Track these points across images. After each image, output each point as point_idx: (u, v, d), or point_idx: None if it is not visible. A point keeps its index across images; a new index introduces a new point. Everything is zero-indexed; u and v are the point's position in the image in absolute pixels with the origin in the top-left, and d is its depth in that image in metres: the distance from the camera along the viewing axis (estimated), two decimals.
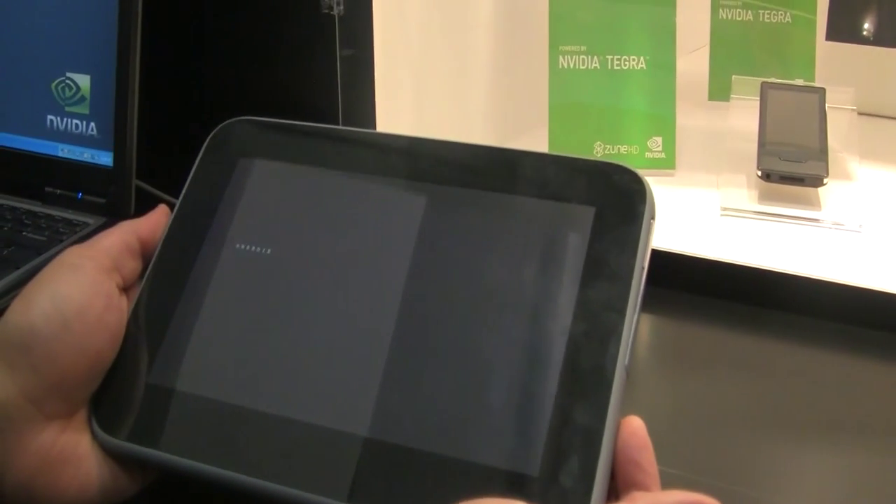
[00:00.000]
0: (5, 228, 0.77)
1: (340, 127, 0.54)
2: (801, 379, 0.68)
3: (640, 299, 0.44)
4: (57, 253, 0.70)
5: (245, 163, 0.53)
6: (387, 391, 0.45)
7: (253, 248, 0.50)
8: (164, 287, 0.50)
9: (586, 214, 0.46)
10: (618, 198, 0.46)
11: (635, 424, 0.42)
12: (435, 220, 0.49)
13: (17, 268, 0.72)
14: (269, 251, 0.50)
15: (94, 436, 0.46)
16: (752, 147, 0.90)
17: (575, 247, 0.46)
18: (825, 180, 0.86)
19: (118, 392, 0.47)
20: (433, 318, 0.46)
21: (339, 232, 0.49)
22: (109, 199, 0.79)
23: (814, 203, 0.87)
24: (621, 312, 0.43)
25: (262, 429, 0.45)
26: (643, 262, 0.45)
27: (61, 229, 0.77)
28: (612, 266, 0.45)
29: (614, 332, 0.43)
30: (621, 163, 0.48)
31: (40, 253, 0.73)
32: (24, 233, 0.76)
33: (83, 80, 0.80)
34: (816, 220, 0.84)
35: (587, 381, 0.42)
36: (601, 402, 0.42)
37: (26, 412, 0.44)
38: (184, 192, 0.53)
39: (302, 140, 0.54)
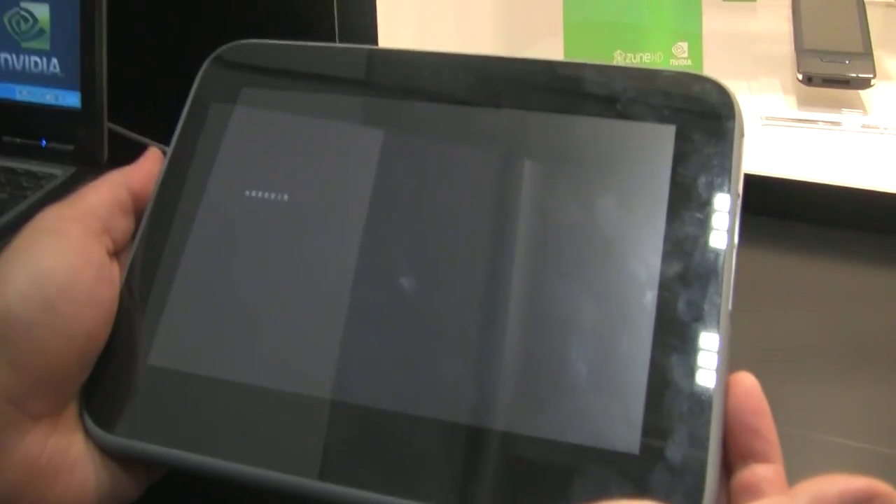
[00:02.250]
0: None
1: (353, 45, 0.52)
2: (865, 301, 0.65)
3: (738, 232, 0.40)
4: (22, 212, 0.68)
5: (249, 92, 0.48)
6: (435, 355, 0.40)
7: (265, 194, 0.45)
8: (161, 247, 0.45)
9: (666, 134, 0.42)
10: (701, 113, 0.42)
11: (748, 383, 0.37)
12: (482, 145, 0.44)
13: None
14: (284, 197, 0.45)
15: (88, 434, 0.42)
16: (784, 49, 0.88)
17: (657, 173, 0.41)
18: (872, 81, 0.83)
19: (114, 379, 0.43)
20: (497, 267, 0.41)
21: (368, 170, 0.45)
22: (78, 146, 0.75)
23: (858, 106, 0.84)
24: (719, 249, 0.39)
25: (290, 414, 0.40)
26: (738, 188, 0.41)
27: (24, 183, 0.72)
28: (702, 194, 0.40)
29: (713, 273, 0.39)
30: (699, 72, 0.44)
31: (2, 213, 0.69)
32: None
33: (41, 10, 0.76)
34: (867, 126, 0.82)
35: (687, 334, 0.38)
36: (706, 357, 0.37)
37: (6, 415, 0.39)
38: (178, 130, 0.48)
39: (309, 64, 0.49)
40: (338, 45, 0.51)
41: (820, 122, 0.82)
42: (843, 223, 0.71)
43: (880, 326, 0.62)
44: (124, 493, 0.42)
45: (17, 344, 0.39)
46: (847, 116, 0.82)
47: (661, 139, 0.42)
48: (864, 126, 0.81)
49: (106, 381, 0.42)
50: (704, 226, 0.40)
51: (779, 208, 0.72)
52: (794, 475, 0.34)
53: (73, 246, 0.42)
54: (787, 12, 0.91)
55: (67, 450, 0.41)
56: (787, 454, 0.44)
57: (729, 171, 0.40)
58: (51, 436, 0.41)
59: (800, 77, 0.84)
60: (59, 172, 0.74)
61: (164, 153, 0.48)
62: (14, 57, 0.77)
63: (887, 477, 0.50)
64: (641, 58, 0.89)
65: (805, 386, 0.57)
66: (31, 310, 0.39)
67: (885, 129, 0.81)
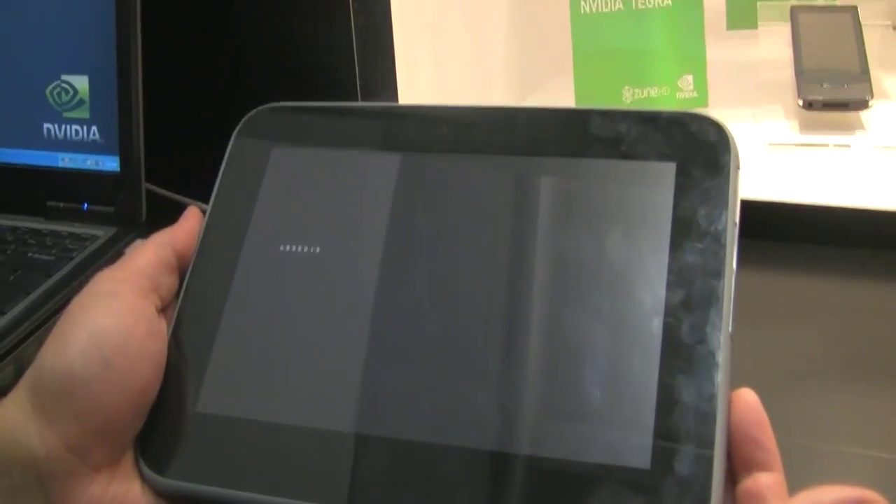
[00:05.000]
0: (8, 251, 0.73)
1: (379, 104, 0.51)
2: (869, 316, 0.66)
3: (735, 258, 0.41)
4: (70, 271, 0.69)
5: (279, 153, 0.49)
6: (456, 385, 0.41)
7: (299, 248, 0.46)
8: (203, 302, 0.46)
9: (667, 171, 0.43)
10: (698, 149, 0.43)
11: (749, 398, 0.38)
12: (498, 192, 0.45)
13: (28, 293, 0.67)
14: (317, 250, 0.46)
15: (143, 479, 0.43)
16: (785, 75, 0.89)
17: (659, 208, 0.42)
18: (870, 102, 0.84)
19: (165, 427, 0.44)
20: (513, 300, 0.43)
21: (393, 219, 0.46)
22: (118, 208, 0.76)
23: (857, 127, 0.85)
24: (718, 275, 0.40)
25: (331, 451, 0.41)
26: (734, 217, 0.41)
27: (69, 245, 0.73)
28: (702, 225, 0.41)
29: (714, 298, 0.40)
30: (696, 111, 0.45)
31: (50, 274, 0.69)
32: (29, 254, 0.72)
33: (80, 82, 0.77)
34: (861, 145, 0.82)
35: (691, 355, 0.39)
36: (709, 376, 0.38)
37: (71, 465, 0.40)
38: (215, 191, 0.49)
39: (336, 123, 0.50)
40: (360, 104, 0.51)
41: (822, 145, 0.82)
42: (849, 242, 0.72)
43: (884, 340, 0.63)
44: None
45: (78, 399, 0.40)
46: (848, 138, 0.83)
47: (662, 176, 0.43)
48: (859, 146, 0.82)
49: (158, 429, 0.43)
50: (705, 255, 0.40)
51: (785, 232, 0.73)
52: (802, 483, 0.35)
53: (126, 306, 0.43)
54: (787, 38, 0.91)
55: (126, 495, 0.42)
56: (795, 464, 0.45)
57: (726, 203, 0.41)
58: (111, 483, 0.41)
59: (801, 103, 0.84)
60: (100, 233, 0.74)
61: (202, 211, 0.49)
62: (56, 127, 0.77)
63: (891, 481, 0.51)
64: (649, 92, 0.89)
65: (810, 399, 0.57)
66: (90, 367, 0.41)
67: (886, 147, 0.81)
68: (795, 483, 0.36)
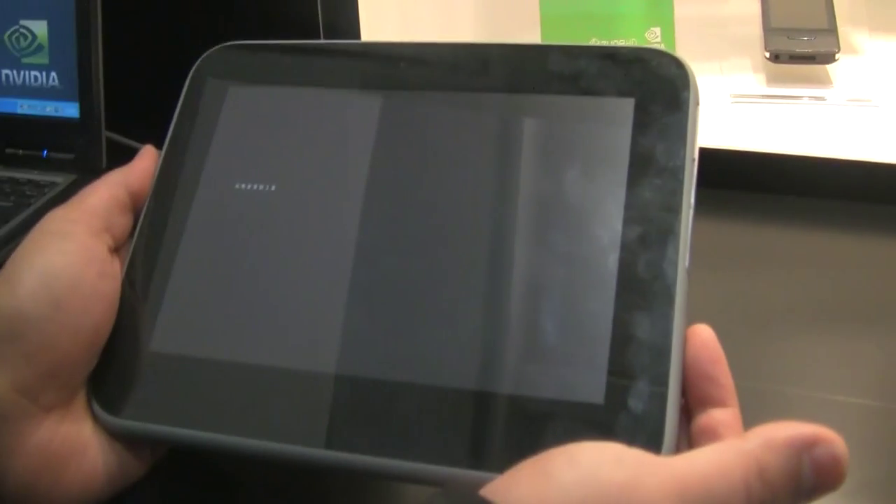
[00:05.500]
0: None
1: (337, 41, 0.50)
2: (826, 264, 0.67)
3: (694, 194, 0.41)
4: (26, 218, 0.69)
5: (235, 91, 0.48)
6: (411, 321, 0.41)
7: (255, 186, 0.46)
8: (157, 242, 0.46)
9: (625, 107, 0.43)
10: (657, 85, 0.43)
11: (705, 335, 0.38)
12: (455, 127, 0.45)
13: None
14: (272, 188, 0.46)
15: (96, 419, 0.42)
16: (754, 31, 0.89)
17: (616, 144, 0.42)
18: (837, 56, 0.84)
19: (118, 367, 0.43)
20: (470, 237, 0.42)
21: (350, 156, 0.45)
22: (78, 154, 0.76)
23: (825, 81, 0.85)
24: (676, 210, 0.40)
25: (272, 387, 0.41)
26: (693, 153, 0.41)
27: (28, 192, 0.73)
28: (660, 161, 0.41)
29: (671, 233, 0.40)
30: (655, 46, 0.44)
31: (8, 220, 0.70)
32: None
33: (39, 27, 0.76)
34: (828, 99, 0.82)
35: (647, 290, 0.39)
36: (665, 312, 0.38)
37: (21, 407, 0.40)
38: (171, 130, 0.48)
39: (294, 61, 0.49)
40: (318, 42, 0.51)
41: (788, 98, 0.82)
42: (811, 192, 0.72)
43: (854, 288, 0.63)
44: (130, 472, 0.43)
45: (28, 340, 0.40)
46: (813, 90, 0.83)
47: (621, 111, 0.42)
48: (824, 99, 0.82)
49: (111, 369, 0.43)
50: (662, 190, 0.40)
51: (750, 181, 0.73)
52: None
53: (78, 245, 0.42)
54: None
55: (78, 436, 0.41)
56: (765, 409, 0.45)
57: (685, 139, 0.41)
58: (62, 423, 0.41)
59: (767, 55, 0.84)
60: (60, 180, 0.74)
61: (158, 151, 0.48)
62: (15, 72, 0.77)
63: (861, 426, 0.51)
64: (616, 44, 0.88)
65: (774, 344, 0.58)
66: (41, 307, 0.40)
67: (850, 100, 0.81)
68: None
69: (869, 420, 0.53)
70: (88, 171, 0.74)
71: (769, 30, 0.86)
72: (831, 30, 0.85)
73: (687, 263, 0.39)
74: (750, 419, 0.36)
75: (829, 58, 0.84)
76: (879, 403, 0.53)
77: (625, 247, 0.40)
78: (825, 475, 0.32)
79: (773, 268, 0.66)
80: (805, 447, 0.32)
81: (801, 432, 0.32)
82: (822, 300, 0.63)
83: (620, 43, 0.89)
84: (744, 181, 0.74)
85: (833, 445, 0.32)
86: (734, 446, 0.33)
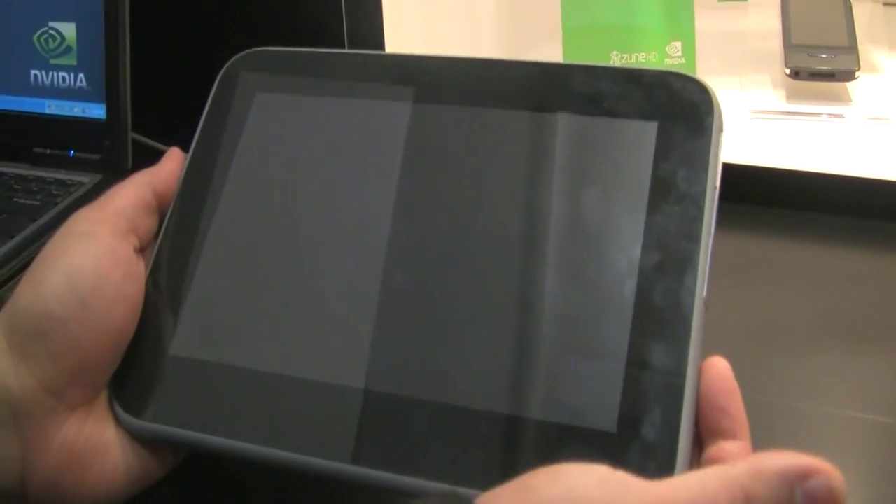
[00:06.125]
0: None
1: (364, 51, 0.50)
2: (843, 281, 0.66)
3: (714, 222, 0.40)
4: (53, 217, 0.69)
5: (263, 98, 0.49)
6: (429, 340, 0.41)
7: (281, 192, 0.46)
8: (182, 244, 0.46)
9: (648, 131, 0.42)
10: (681, 110, 0.42)
11: (720, 366, 0.38)
12: (477, 144, 0.45)
13: (12, 237, 0.68)
14: (299, 195, 0.46)
15: (118, 420, 0.43)
16: (774, 46, 0.88)
17: (638, 168, 0.41)
18: (857, 74, 0.84)
19: (140, 369, 0.43)
20: (481, 255, 0.42)
21: (374, 166, 0.45)
22: (104, 155, 0.76)
23: (844, 99, 0.85)
24: (695, 239, 0.40)
25: (294, 397, 0.41)
26: (715, 181, 0.41)
27: (54, 191, 0.73)
28: (681, 187, 0.41)
29: (690, 262, 0.39)
30: (682, 70, 0.44)
31: (35, 219, 0.70)
32: (14, 199, 0.72)
33: (68, 29, 0.77)
34: (847, 116, 0.82)
35: (663, 319, 0.38)
36: (681, 342, 0.38)
37: (47, 405, 0.41)
38: (198, 133, 0.49)
39: (322, 69, 0.49)
40: (347, 51, 0.50)
41: (807, 115, 0.82)
42: (829, 209, 0.72)
43: (871, 304, 0.63)
44: (151, 473, 0.43)
45: (54, 339, 0.40)
46: (833, 108, 0.82)
47: (643, 135, 0.42)
48: (847, 117, 0.81)
49: (133, 371, 0.43)
50: (682, 217, 0.40)
51: (768, 196, 0.73)
52: (781, 443, 0.34)
53: (103, 246, 0.43)
54: (777, 11, 0.91)
55: (101, 435, 0.42)
56: (777, 424, 0.44)
57: (707, 165, 0.41)
58: (86, 423, 0.42)
59: (787, 72, 0.84)
60: (86, 180, 0.74)
61: (184, 153, 0.48)
62: (43, 73, 0.77)
63: (873, 442, 0.50)
64: (637, 57, 0.88)
65: (791, 360, 0.58)
66: (66, 307, 0.40)
67: (869, 118, 0.81)
68: (776, 442, 0.35)
69: (881, 437, 0.52)
70: (114, 172, 0.75)
71: (790, 46, 0.86)
72: (852, 47, 0.85)
73: (705, 293, 0.39)
74: (763, 433, 0.36)
75: (849, 76, 0.83)
76: (892, 420, 0.53)
77: (643, 274, 0.39)
78: None
79: (789, 283, 0.66)
80: (799, 478, 0.31)
81: (796, 462, 0.32)
82: (839, 316, 0.62)
83: (641, 56, 0.89)
84: (762, 196, 0.73)
85: (829, 478, 0.31)
86: (720, 473, 0.32)
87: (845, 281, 0.66)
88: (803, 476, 0.31)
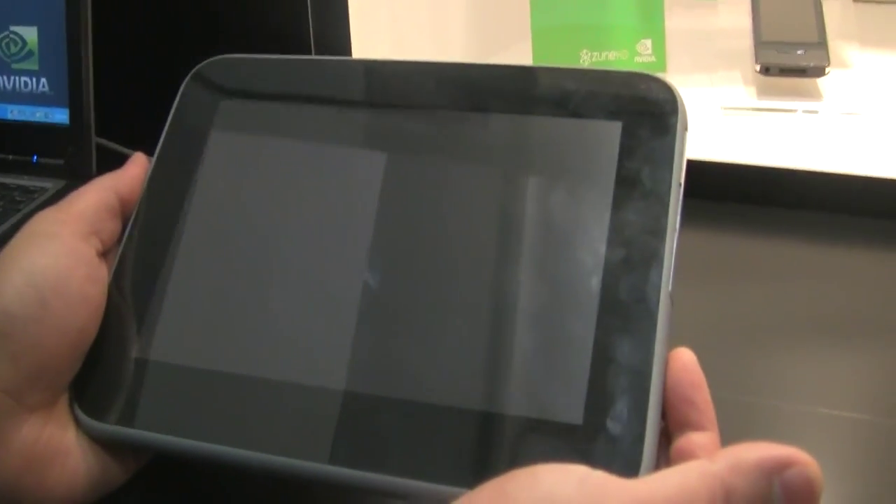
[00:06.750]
0: None
1: (330, 57, 0.51)
2: (816, 277, 0.66)
3: (679, 218, 0.41)
4: (15, 224, 0.68)
5: (228, 104, 0.49)
6: (398, 340, 0.41)
7: (245, 198, 0.46)
8: (146, 248, 0.46)
9: (613, 130, 0.43)
10: (646, 110, 0.43)
11: (686, 358, 0.38)
12: (445, 147, 0.45)
13: None
14: (264, 201, 0.46)
15: (78, 423, 0.42)
16: (745, 44, 0.89)
17: (603, 167, 0.42)
18: (827, 69, 0.84)
19: (102, 372, 0.43)
20: (450, 255, 0.43)
21: (333, 173, 0.46)
22: (68, 160, 0.75)
23: (815, 95, 0.85)
24: (660, 234, 0.40)
25: (262, 398, 0.41)
26: (679, 178, 0.41)
27: (17, 197, 0.72)
28: (645, 185, 0.41)
29: (655, 258, 0.40)
30: (645, 71, 0.45)
31: None
32: None
33: (29, 33, 0.76)
34: (818, 112, 0.82)
35: (629, 313, 0.39)
36: (646, 335, 0.38)
37: (5, 406, 0.40)
38: (162, 139, 0.49)
39: (288, 76, 0.49)
40: (313, 57, 0.51)
41: (778, 110, 0.82)
42: (801, 205, 0.72)
43: (844, 301, 0.63)
44: (112, 477, 0.43)
45: (14, 340, 0.40)
46: (804, 104, 0.82)
47: (608, 135, 0.42)
48: (819, 112, 0.82)
49: (94, 374, 0.43)
50: (647, 214, 0.40)
51: (740, 193, 0.73)
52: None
53: (65, 247, 0.42)
54: (747, 9, 0.91)
55: (61, 438, 0.41)
56: (755, 422, 0.44)
57: (671, 163, 0.41)
58: (46, 425, 0.41)
59: (758, 68, 0.84)
60: (49, 186, 0.73)
61: (150, 159, 0.48)
62: (5, 78, 0.77)
63: (850, 440, 0.50)
64: (607, 56, 0.89)
65: (761, 358, 0.58)
66: (27, 307, 0.40)
67: (840, 113, 0.81)
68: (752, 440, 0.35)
69: (858, 434, 0.52)
70: (78, 177, 0.73)
71: (760, 43, 0.86)
72: (822, 43, 0.86)
73: (670, 288, 0.39)
74: (740, 433, 0.36)
75: (819, 71, 0.84)
76: (869, 417, 0.53)
77: (608, 270, 0.40)
78: (797, 498, 0.31)
79: (762, 280, 0.66)
80: (776, 469, 0.31)
81: (773, 454, 0.32)
82: (812, 313, 0.62)
83: (612, 55, 0.90)
84: (734, 193, 0.74)
85: (806, 468, 0.31)
86: (699, 468, 0.32)
87: (820, 278, 0.66)
88: (780, 467, 0.31)
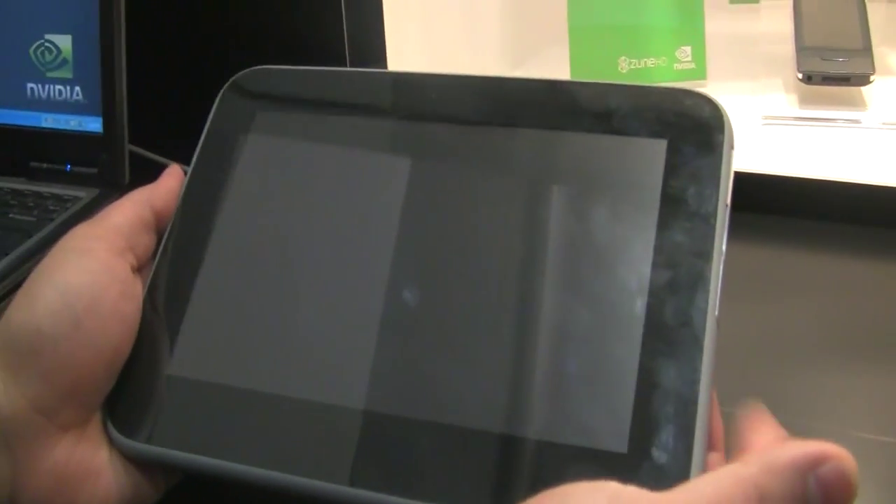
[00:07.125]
0: None
1: (369, 70, 0.50)
2: (859, 292, 0.65)
3: (725, 240, 0.40)
4: (50, 233, 0.68)
5: (264, 117, 0.48)
6: (433, 361, 0.40)
7: (281, 212, 0.46)
8: (181, 263, 0.45)
9: (658, 148, 0.42)
10: (692, 127, 0.42)
11: None
12: (484, 163, 0.45)
13: (6, 254, 0.67)
14: (300, 214, 0.45)
15: (111, 442, 0.42)
16: (786, 50, 0.87)
17: (648, 185, 0.41)
18: (872, 77, 0.82)
19: (136, 390, 0.43)
20: (488, 274, 0.42)
21: (377, 185, 0.45)
22: (101, 169, 0.75)
23: (859, 103, 0.83)
24: (707, 256, 0.39)
25: (294, 418, 0.41)
26: (726, 198, 0.41)
27: (51, 206, 0.72)
28: (691, 205, 0.40)
29: (701, 280, 0.39)
30: (691, 88, 0.44)
31: (31, 235, 0.69)
32: (10, 214, 0.71)
33: (64, 42, 0.76)
34: (862, 122, 0.80)
35: (674, 338, 0.38)
36: (693, 361, 0.37)
37: (37, 426, 0.40)
38: (198, 151, 0.48)
39: (324, 87, 0.49)
40: (348, 69, 0.50)
41: (820, 120, 0.80)
42: (843, 218, 0.71)
43: (882, 319, 0.62)
44: (144, 496, 0.42)
45: (46, 358, 0.39)
46: (847, 113, 0.80)
47: (652, 153, 0.42)
48: (863, 122, 0.80)
49: (128, 392, 0.43)
50: (693, 235, 0.40)
51: (781, 205, 0.72)
52: None
53: (100, 264, 0.42)
54: (789, 13, 0.90)
55: (93, 457, 0.41)
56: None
57: (718, 182, 0.41)
58: (78, 444, 0.41)
59: (800, 76, 0.82)
60: (83, 195, 0.73)
61: (184, 170, 0.48)
62: (39, 86, 0.77)
63: (886, 465, 0.49)
64: (646, 63, 0.88)
65: (804, 376, 0.56)
66: (59, 325, 0.40)
67: (885, 124, 0.79)
68: None
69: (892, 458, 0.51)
70: (112, 186, 0.74)
71: (802, 49, 0.85)
72: (866, 50, 0.83)
73: (717, 312, 0.38)
74: None
75: (863, 79, 0.82)
76: None
77: (653, 292, 0.39)
78: (834, 493, 0.31)
79: (803, 295, 0.65)
80: (810, 466, 0.31)
81: (805, 451, 0.31)
82: (856, 330, 0.61)
83: (650, 62, 0.88)
84: (774, 205, 0.72)
85: (841, 462, 0.31)
86: (732, 473, 0.32)
87: (863, 293, 0.65)
88: (814, 464, 0.31)
